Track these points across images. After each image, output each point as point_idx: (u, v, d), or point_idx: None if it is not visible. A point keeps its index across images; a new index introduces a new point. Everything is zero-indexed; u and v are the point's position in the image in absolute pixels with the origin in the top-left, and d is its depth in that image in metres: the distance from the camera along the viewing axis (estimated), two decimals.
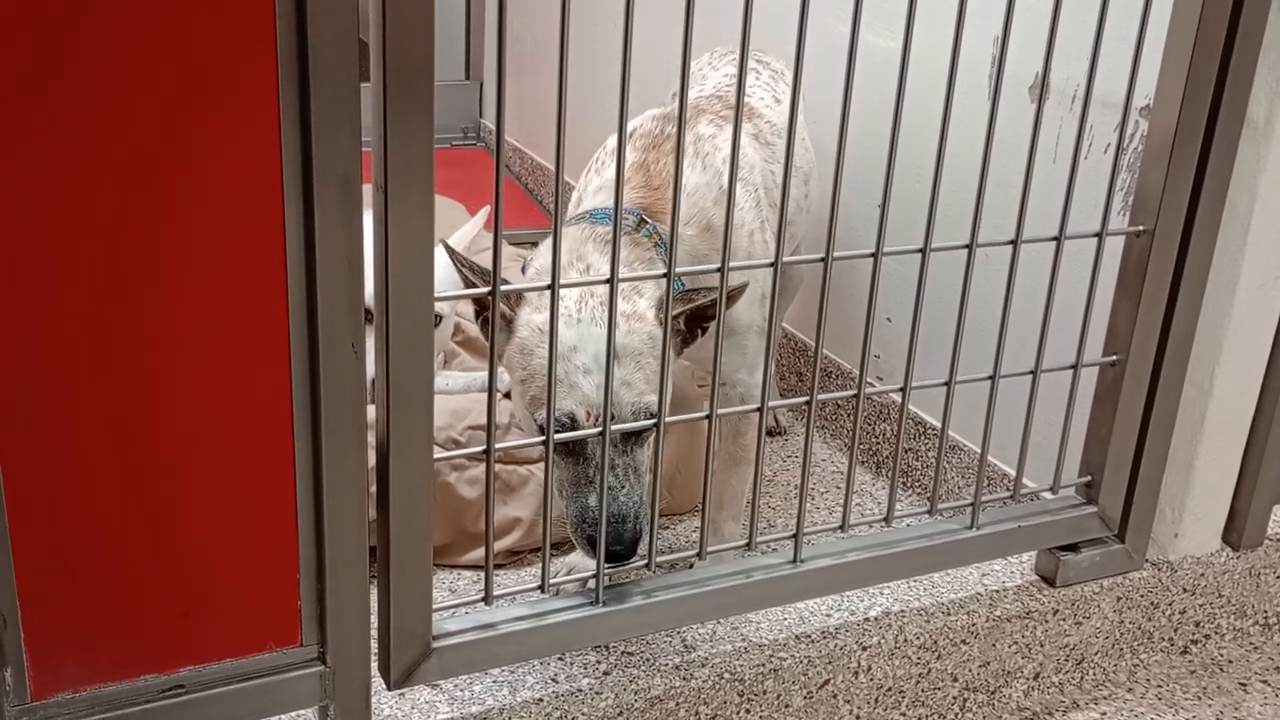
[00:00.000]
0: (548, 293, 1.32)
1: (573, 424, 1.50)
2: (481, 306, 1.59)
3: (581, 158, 1.93)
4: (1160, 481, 1.80)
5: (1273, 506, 1.95)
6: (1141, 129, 1.74)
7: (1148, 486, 1.79)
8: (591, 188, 1.80)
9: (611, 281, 1.34)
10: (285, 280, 1.17)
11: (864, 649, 1.67)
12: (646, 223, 1.68)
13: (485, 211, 2.36)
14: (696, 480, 2.14)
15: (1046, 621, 1.79)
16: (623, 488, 1.50)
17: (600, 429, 1.42)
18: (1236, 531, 1.92)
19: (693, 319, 1.59)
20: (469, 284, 1.50)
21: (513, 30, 3.55)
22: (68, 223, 1.08)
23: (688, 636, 1.66)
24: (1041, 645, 1.81)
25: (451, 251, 1.53)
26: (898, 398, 1.58)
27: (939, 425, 1.76)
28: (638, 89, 1.30)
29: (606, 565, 1.49)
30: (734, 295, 1.54)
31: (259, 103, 1.10)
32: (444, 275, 2.17)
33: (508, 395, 2.11)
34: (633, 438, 1.52)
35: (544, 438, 1.38)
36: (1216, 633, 1.97)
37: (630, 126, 1.82)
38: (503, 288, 1.29)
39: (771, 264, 1.44)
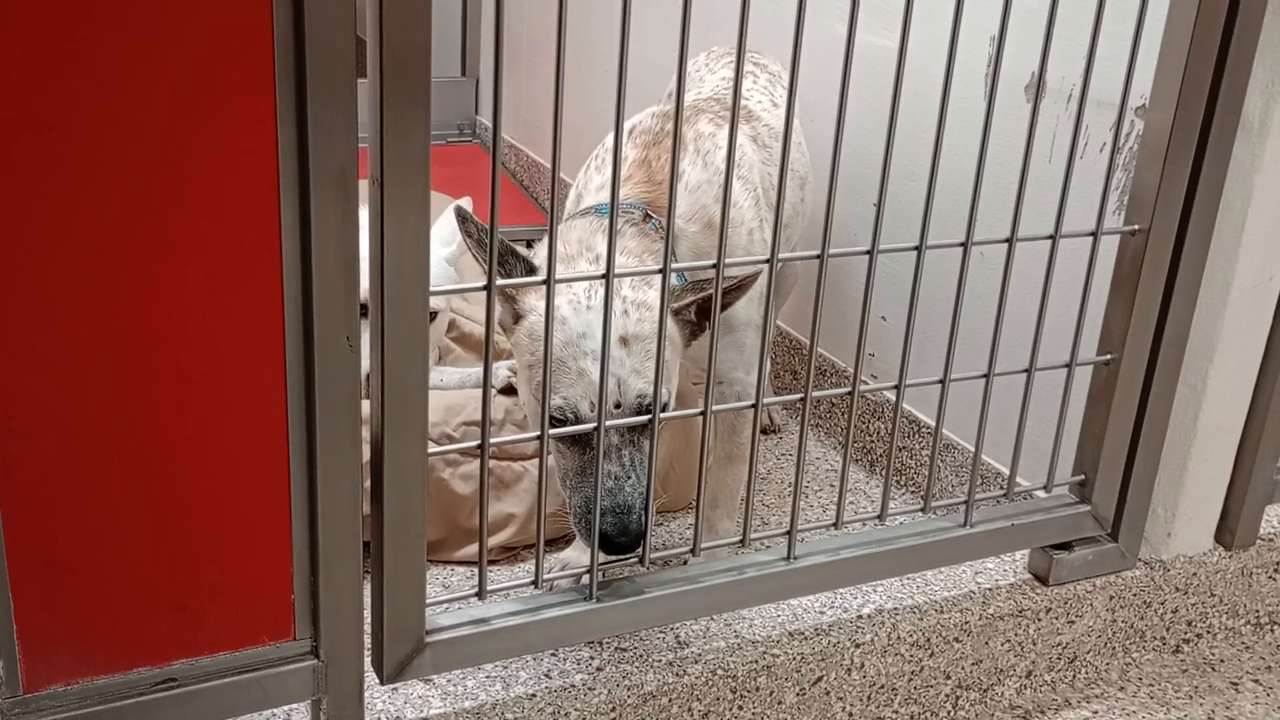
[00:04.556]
0: (557, 280, 1.32)
1: (577, 415, 1.50)
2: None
3: (577, 155, 1.93)
4: (1153, 481, 1.81)
5: (1265, 506, 1.96)
6: (1137, 129, 1.74)
7: (1141, 486, 1.79)
8: (594, 185, 1.80)
9: (608, 277, 1.34)
10: (281, 275, 1.17)
11: (857, 646, 1.67)
12: (651, 217, 1.68)
13: (464, 201, 2.34)
14: (691, 477, 2.14)
15: (1039, 620, 1.80)
16: (629, 478, 1.50)
17: (609, 416, 1.42)
18: (1229, 531, 1.92)
19: (702, 310, 1.59)
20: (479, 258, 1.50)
21: (509, 27, 3.55)
22: (64, 218, 1.08)
23: (681, 633, 1.67)
24: (1034, 643, 1.81)
25: (464, 222, 1.53)
26: (892, 396, 1.58)
27: (933, 423, 1.76)
28: (634, 87, 1.30)
29: (608, 558, 1.49)
30: (745, 285, 1.54)
31: (256, 98, 1.10)
32: (439, 270, 2.18)
33: (503, 391, 2.12)
34: (640, 427, 1.52)
35: (547, 429, 1.38)
36: (1209, 632, 1.98)
37: (630, 124, 1.82)
38: (499, 282, 1.29)
39: (768, 260, 1.44)
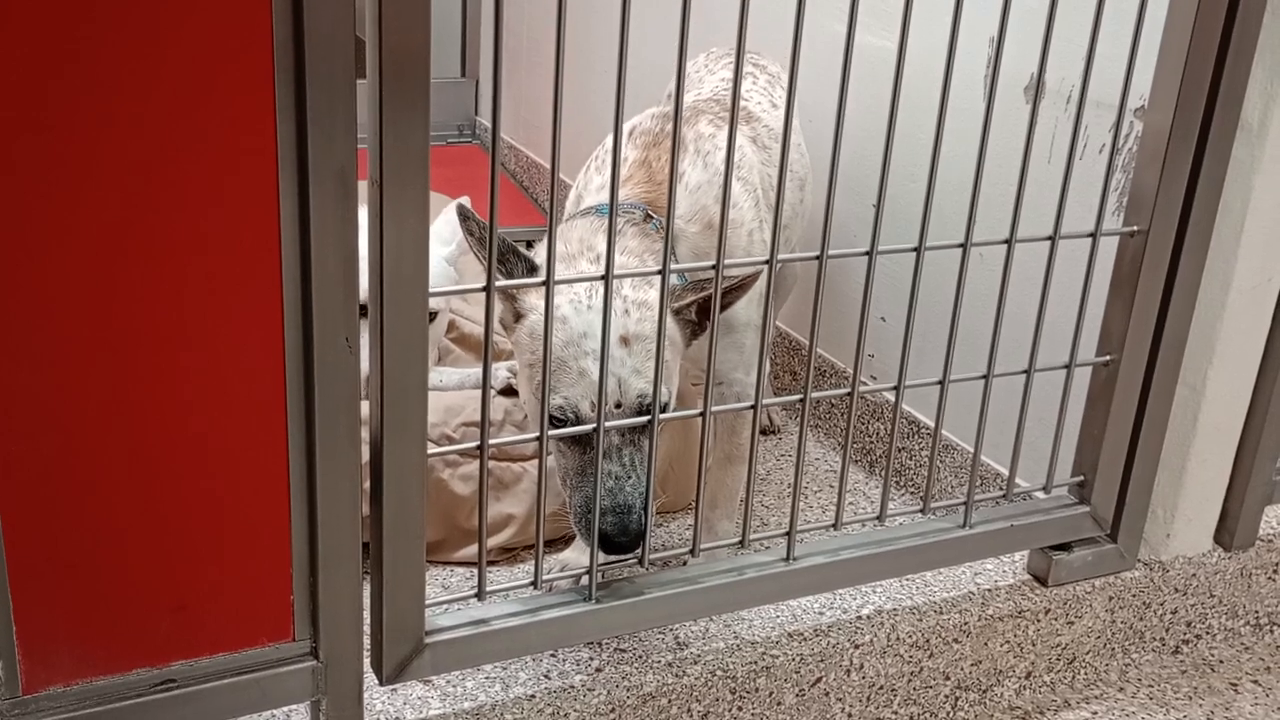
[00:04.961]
0: (558, 278, 1.32)
1: (577, 415, 1.50)
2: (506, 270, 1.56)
3: (577, 156, 1.93)
4: (1153, 481, 1.81)
5: (1264, 507, 1.96)
6: (1136, 130, 1.74)
7: (1140, 486, 1.79)
8: (594, 185, 1.80)
9: (607, 277, 1.34)
10: (280, 276, 1.17)
11: (856, 647, 1.67)
12: (652, 217, 1.68)
13: (462, 200, 2.33)
14: (690, 478, 2.14)
15: (1038, 621, 1.80)
16: (629, 477, 1.50)
17: (609, 416, 1.42)
18: (1228, 532, 1.92)
19: (703, 309, 1.59)
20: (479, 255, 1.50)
21: (509, 28, 3.55)
22: (64, 218, 1.08)
23: (680, 633, 1.67)
24: (1033, 644, 1.81)
25: (465, 219, 1.53)
26: (891, 396, 1.58)
27: (932, 424, 1.76)
28: (634, 88, 1.30)
29: (608, 558, 1.49)
30: (745, 284, 1.54)
31: (256, 98, 1.10)
32: (438, 270, 2.18)
33: (503, 392, 2.12)
34: (641, 427, 1.52)
35: (548, 429, 1.38)
36: (1208, 633, 1.98)
37: (630, 125, 1.82)
38: (499, 283, 1.29)
39: (767, 261, 1.44)
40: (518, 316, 1.59)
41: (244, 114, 1.10)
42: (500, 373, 2.13)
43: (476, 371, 2.23)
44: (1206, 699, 1.87)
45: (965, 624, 1.74)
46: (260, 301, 1.17)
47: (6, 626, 1.18)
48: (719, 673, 1.58)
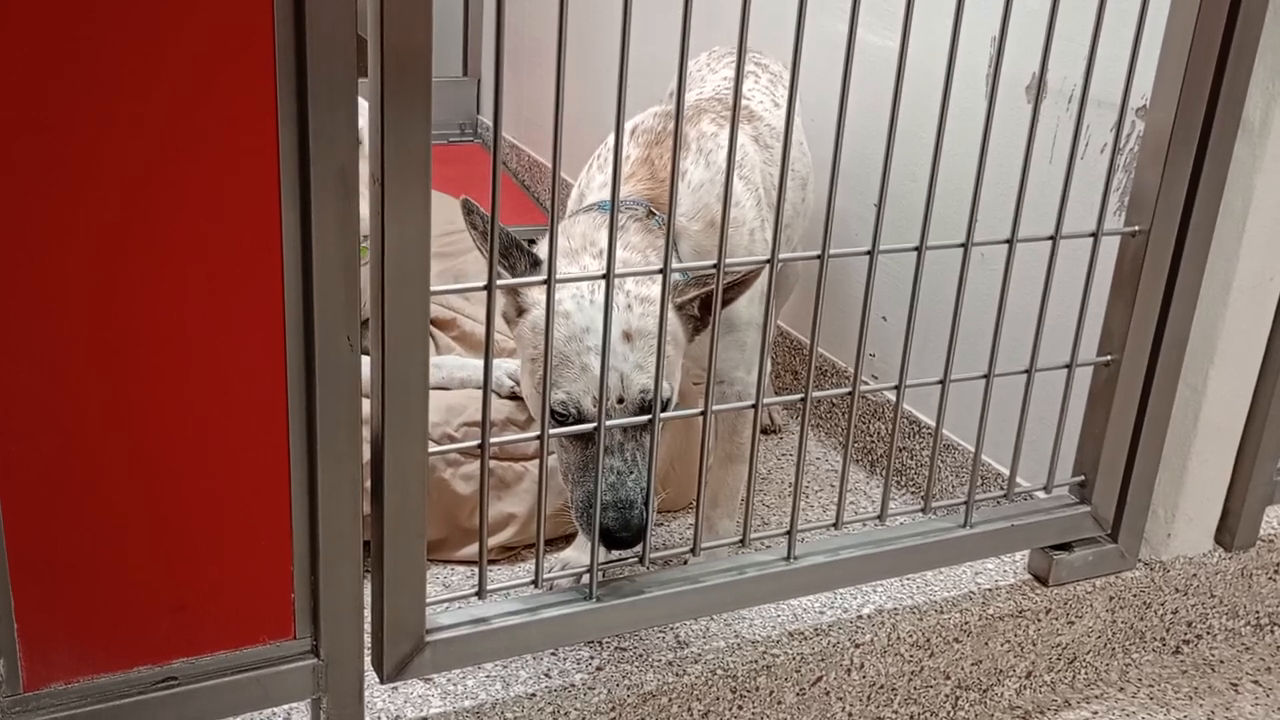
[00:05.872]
0: (561, 275, 1.32)
1: (579, 411, 1.51)
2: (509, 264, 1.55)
3: (579, 155, 1.93)
4: (1153, 481, 1.81)
5: (1265, 507, 1.96)
6: (1138, 129, 1.74)
7: (1141, 486, 1.79)
8: (596, 184, 1.80)
9: (608, 276, 1.34)
10: (281, 275, 1.17)
11: (857, 646, 1.67)
12: (655, 214, 1.69)
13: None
14: (691, 477, 2.14)
15: (1039, 620, 1.80)
16: (630, 473, 1.50)
17: (611, 411, 1.42)
18: (1229, 532, 1.92)
19: (705, 304, 1.59)
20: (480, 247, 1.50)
21: (511, 27, 3.55)
22: (64, 218, 1.08)
23: (681, 632, 1.67)
24: (1034, 644, 1.81)
25: (469, 214, 1.53)
26: (892, 396, 1.58)
27: (933, 424, 1.76)
28: (636, 87, 1.30)
29: (610, 554, 1.49)
30: (747, 280, 1.53)
31: (256, 98, 1.11)
32: None
33: (508, 397, 2.12)
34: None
35: (549, 426, 1.38)
36: (1208, 633, 1.98)
37: (632, 123, 1.83)
38: (499, 283, 1.29)
39: (768, 260, 1.44)
40: (520, 311, 1.59)
41: (244, 114, 1.10)
42: (505, 382, 2.13)
43: (476, 364, 2.23)
44: (1207, 699, 1.87)
45: (966, 623, 1.74)
46: (261, 301, 1.17)
47: (8, 624, 1.18)
48: (719, 671, 1.58)
